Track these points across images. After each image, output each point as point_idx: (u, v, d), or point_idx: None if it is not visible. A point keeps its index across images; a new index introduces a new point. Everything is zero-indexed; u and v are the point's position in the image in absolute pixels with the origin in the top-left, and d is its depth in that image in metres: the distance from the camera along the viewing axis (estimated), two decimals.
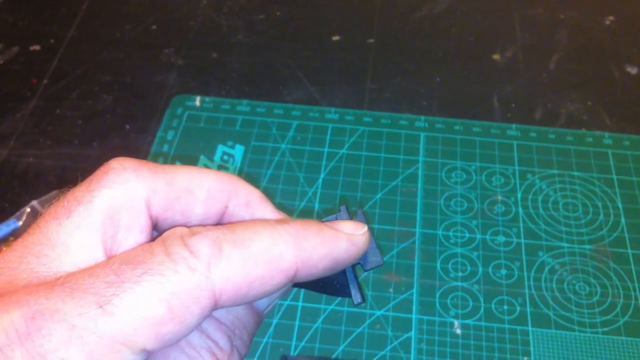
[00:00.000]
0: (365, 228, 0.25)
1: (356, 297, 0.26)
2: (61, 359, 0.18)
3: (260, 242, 0.22)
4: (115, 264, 0.20)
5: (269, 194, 0.53)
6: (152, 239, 0.23)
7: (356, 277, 0.26)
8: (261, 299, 0.23)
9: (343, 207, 0.27)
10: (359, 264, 0.26)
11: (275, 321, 0.47)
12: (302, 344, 0.45)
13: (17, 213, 0.52)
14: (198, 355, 0.22)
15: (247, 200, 0.25)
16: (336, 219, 0.26)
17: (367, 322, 0.46)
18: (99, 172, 0.23)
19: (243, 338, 0.24)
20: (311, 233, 0.23)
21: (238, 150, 0.57)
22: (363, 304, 0.47)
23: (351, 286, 0.26)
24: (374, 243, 0.26)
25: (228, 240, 0.21)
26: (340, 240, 0.23)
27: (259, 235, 0.22)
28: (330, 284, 0.26)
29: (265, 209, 0.25)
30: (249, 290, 0.21)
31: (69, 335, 0.18)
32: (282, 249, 0.22)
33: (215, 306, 0.21)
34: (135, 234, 0.23)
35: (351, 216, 0.26)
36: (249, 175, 0.55)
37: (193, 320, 0.20)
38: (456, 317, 0.47)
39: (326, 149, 0.57)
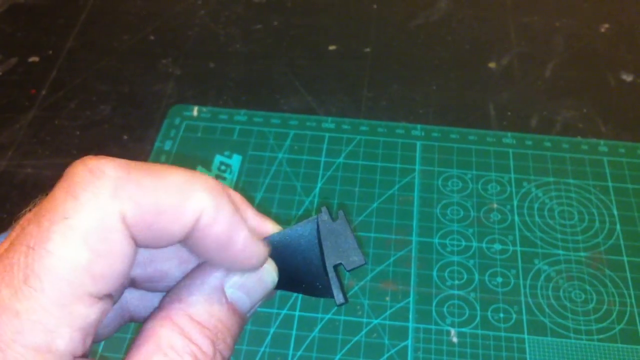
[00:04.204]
0: (264, 264, 0.24)
1: (338, 297, 0.26)
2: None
3: (175, 176, 0.22)
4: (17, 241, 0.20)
5: (266, 203, 0.54)
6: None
7: (339, 278, 0.26)
8: (169, 244, 0.22)
9: (324, 208, 0.26)
10: (341, 264, 0.26)
11: (272, 330, 0.47)
12: (300, 353, 0.46)
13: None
14: (181, 359, 0.22)
15: None
16: (317, 221, 0.26)
17: (364, 330, 0.47)
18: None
19: (226, 341, 0.24)
20: (231, 197, 0.23)
21: (235, 160, 0.57)
22: (360, 310, 0.47)
23: (333, 287, 0.26)
24: (355, 243, 0.26)
25: (138, 168, 0.21)
26: (242, 230, 0.23)
27: (176, 171, 0.22)
28: (313, 285, 0.26)
29: (244, 212, 0.25)
30: (157, 220, 0.21)
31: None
32: (197, 187, 0.22)
33: (130, 229, 0.20)
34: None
35: (333, 217, 0.26)
36: (247, 184, 0.55)
37: (123, 249, 0.20)
38: (453, 325, 0.47)
39: (323, 158, 0.57)
